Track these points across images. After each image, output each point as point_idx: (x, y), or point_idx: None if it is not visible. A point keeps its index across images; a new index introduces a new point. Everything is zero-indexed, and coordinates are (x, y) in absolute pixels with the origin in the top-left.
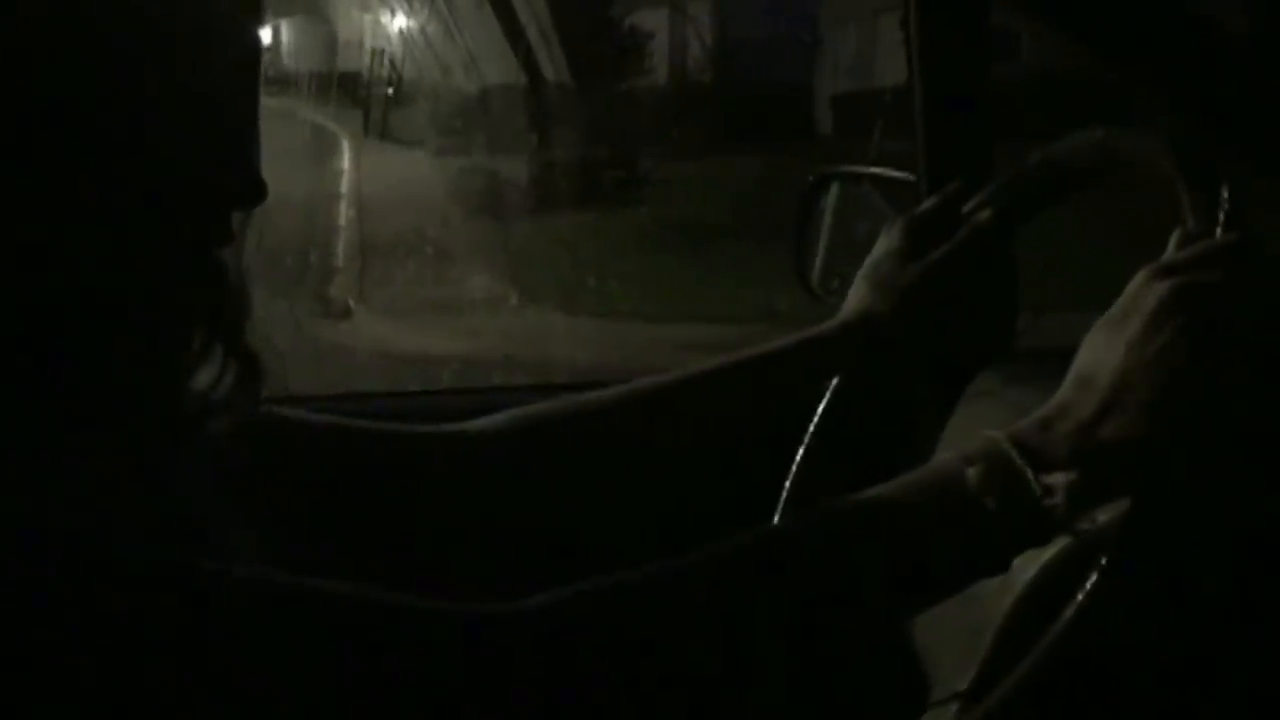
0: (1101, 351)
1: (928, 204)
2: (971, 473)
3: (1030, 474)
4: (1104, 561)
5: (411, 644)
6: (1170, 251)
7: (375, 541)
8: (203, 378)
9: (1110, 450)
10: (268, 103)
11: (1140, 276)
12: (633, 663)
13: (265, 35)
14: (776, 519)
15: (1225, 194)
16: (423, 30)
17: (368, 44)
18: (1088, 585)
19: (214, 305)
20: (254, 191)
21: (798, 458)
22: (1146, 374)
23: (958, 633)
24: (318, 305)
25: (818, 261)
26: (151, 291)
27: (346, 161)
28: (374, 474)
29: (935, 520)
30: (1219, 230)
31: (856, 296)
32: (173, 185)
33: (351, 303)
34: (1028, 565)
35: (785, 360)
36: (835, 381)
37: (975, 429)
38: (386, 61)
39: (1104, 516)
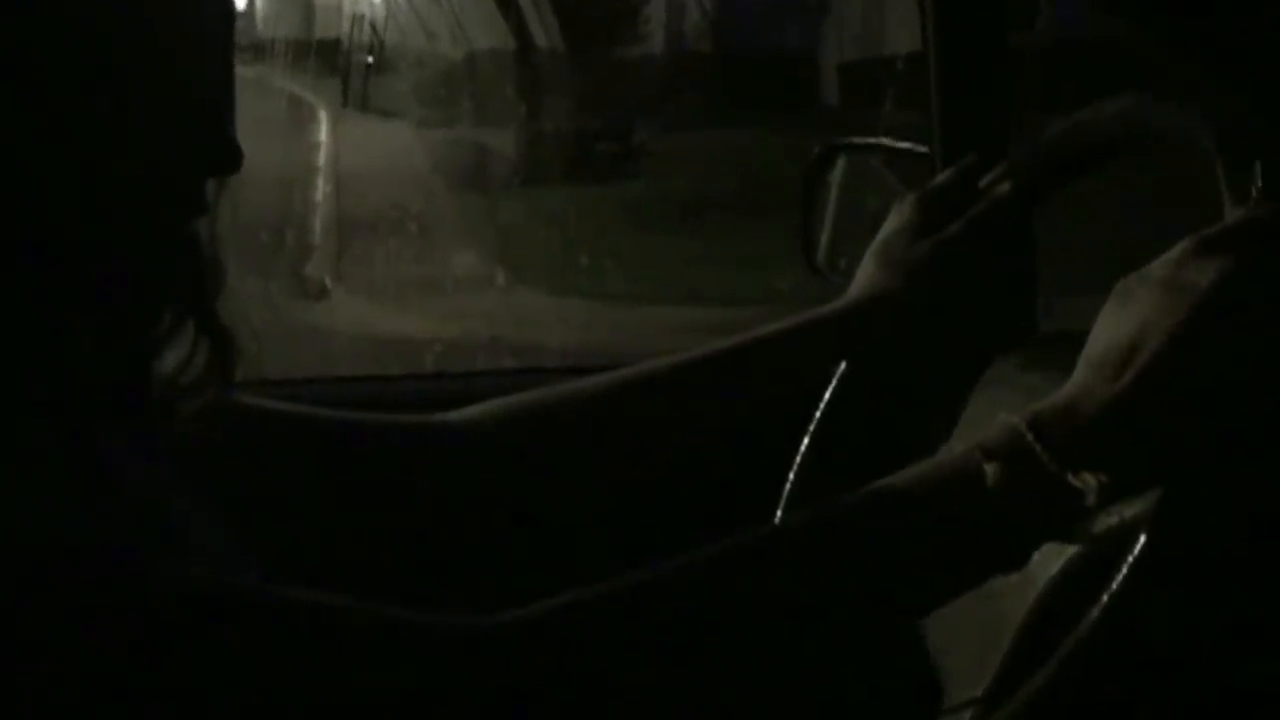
0: (1133, 328)
1: (942, 178)
2: (989, 464)
3: (1053, 463)
4: (1134, 555)
5: (396, 659)
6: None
7: (353, 538)
8: (171, 358)
9: (1141, 436)
10: (241, 72)
11: (1183, 248)
12: (627, 674)
13: None
14: (780, 511)
15: (1268, 172)
16: None
17: (347, 9)
18: (1116, 581)
19: (186, 280)
20: (229, 158)
21: (802, 447)
22: (1188, 356)
23: (974, 633)
24: (293, 285)
25: (824, 239)
26: (119, 264)
27: (324, 133)
28: (351, 467)
29: (950, 514)
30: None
31: (865, 275)
32: (143, 151)
33: (329, 282)
34: (1050, 560)
35: (788, 343)
36: (842, 366)
37: (991, 417)
38: (367, 27)
39: (1131, 508)
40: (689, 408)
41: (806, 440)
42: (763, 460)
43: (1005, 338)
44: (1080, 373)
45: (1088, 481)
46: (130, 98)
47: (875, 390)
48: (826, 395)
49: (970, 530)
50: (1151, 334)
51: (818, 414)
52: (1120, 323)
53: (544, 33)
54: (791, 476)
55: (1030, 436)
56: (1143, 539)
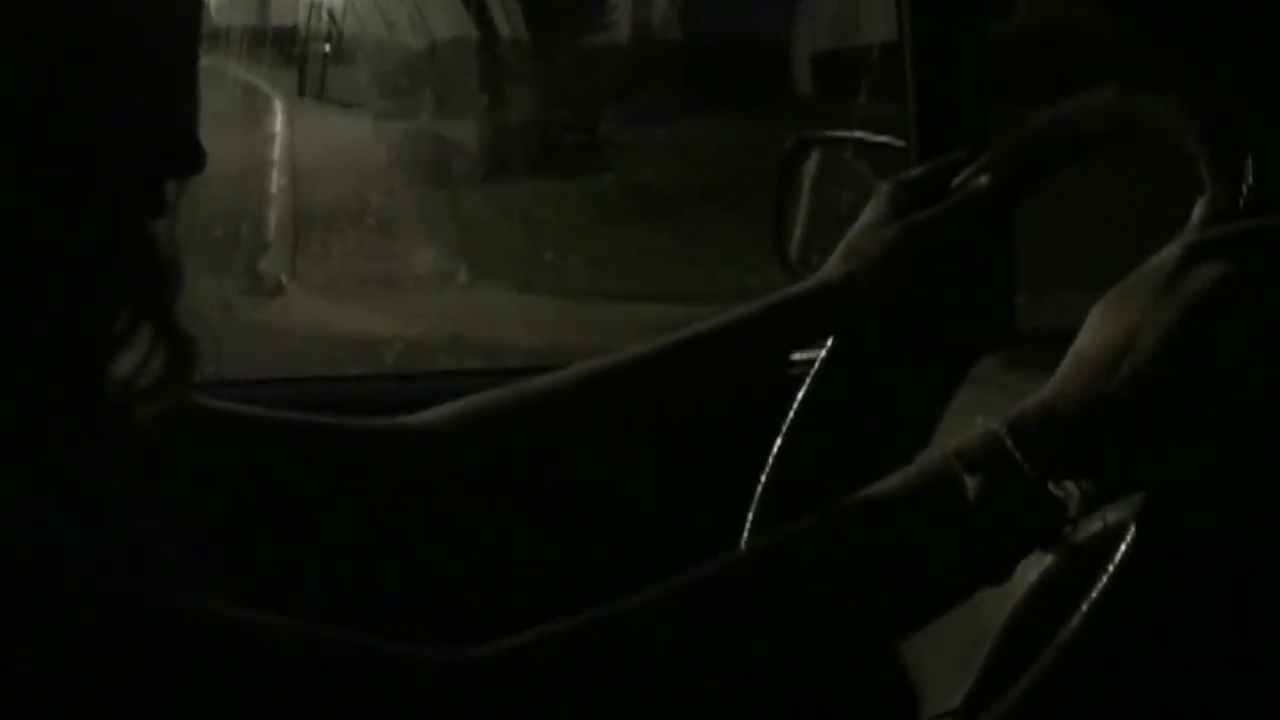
0: (1117, 332)
1: (918, 170)
2: (968, 475)
3: (1033, 471)
4: (1115, 563)
5: (364, 691)
6: (1193, 224)
7: (314, 545)
8: (127, 361)
9: (1127, 441)
10: None
11: (1174, 250)
12: (606, 706)
13: None
14: (751, 514)
15: (1253, 165)
16: None
17: None
18: (1096, 589)
19: (144, 281)
20: (191, 158)
21: (776, 446)
22: (1179, 361)
23: (951, 642)
24: (247, 282)
25: (797, 234)
26: (76, 265)
27: (279, 125)
28: (313, 474)
29: (929, 528)
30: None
31: (831, 263)
32: (103, 150)
33: (284, 279)
34: (1028, 568)
35: (753, 327)
36: (817, 364)
37: (972, 417)
38: (325, 16)
39: (1112, 513)
40: (650, 400)
41: (781, 439)
42: (733, 455)
43: (982, 334)
44: (1063, 374)
45: (1070, 490)
46: (90, 95)
47: (853, 389)
48: (802, 393)
49: (951, 544)
50: (1143, 338)
51: (792, 412)
52: (1110, 326)
53: (507, 21)
54: (765, 476)
55: (1010, 443)
56: (1124, 546)
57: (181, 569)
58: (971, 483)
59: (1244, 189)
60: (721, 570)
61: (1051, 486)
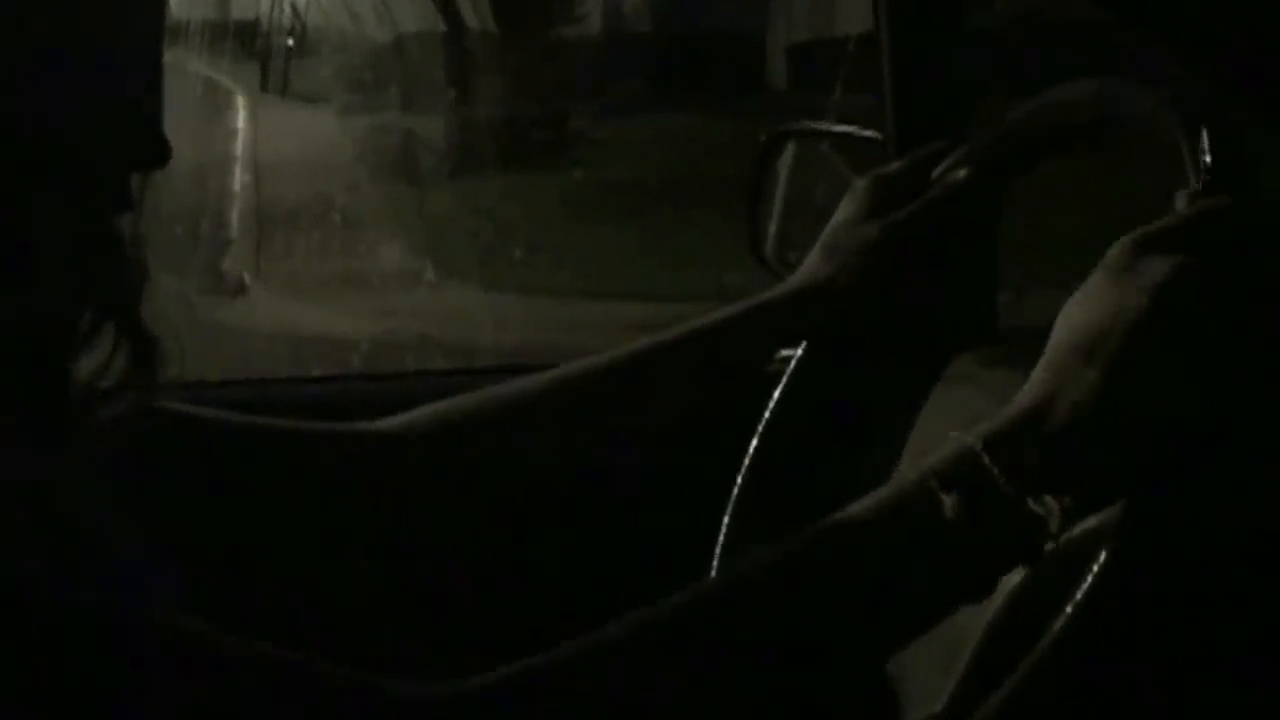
0: (1082, 335)
1: (897, 164)
2: (945, 494)
3: (1010, 488)
4: (1096, 570)
5: None
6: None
7: (280, 552)
8: (89, 362)
9: (1100, 453)
10: None
11: (1121, 246)
12: None
13: None
14: (727, 517)
15: (1237, 157)
16: None
17: None
18: (1079, 593)
19: (107, 279)
20: (156, 152)
21: (752, 447)
22: (1138, 365)
23: (933, 647)
24: (208, 281)
25: (772, 230)
26: (37, 262)
27: (241, 120)
28: (279, 480)
29: (907, 548)
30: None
31: (810, 263)
32: (65, 143)
33: (247, 278)
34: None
35: (731, 332)
36: (794, 364)
37: (953, 416)
38: (288, 8)
39: (1092, 520)
40: (626, 405)
41: (757, 439)
42: (709, 456)
43: (964, 332)
44: (1036, 383)
45: (1050, 505)
46: (52, 86)
47: (830, 388)
48: (778, 393)
49: (930, 564)
50: (1104, 340)
51: (768, 412)
52: (1075, 330)
53: (475, 13)
54: (741, 478)
55: (986, 459)
56: (1105, 550)
57: (145, 577)
58: (949, 501)
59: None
60: (696, 599)
61: (1030, 502)
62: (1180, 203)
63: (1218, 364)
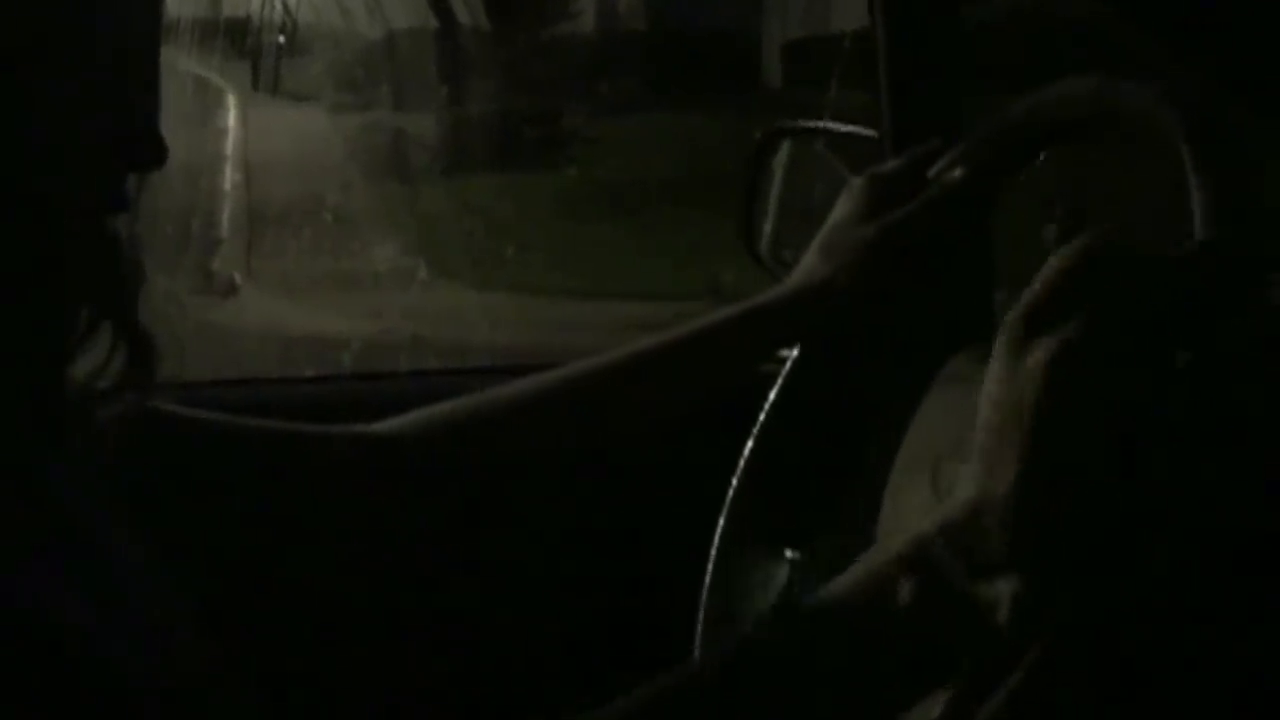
0: (997, 419)
1: (893, 163)
2: (903, 580)
3: (962, 575)
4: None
5: None
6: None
7: (274, 557)
8: (86, 363)
9: (1037, 538)
10: None
11: (1013, 317)
12: None
13: None
14: (722, 519)
15: (1237, 155)
16: None
17: None
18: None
19: (104, 279)
20: (153, 152)
21: (747, 450)
22: (1049, 450)
23: None
24: (199, 281)
25: (767, 229)
26: (34, 263)
27: (232, 119)
28: (274, 483)
29: (870, 635)
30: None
31: (807, 264)
32: (62, 142)
33: (237, 278)
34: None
35: (728, 336)
36: (789, 364)
37: (949, 417)
38: (279, 5)
39: None
40: (625, 408)
41: (753, 442)
42: (705, 458)
43: (960, 331)
44: (974, 469)
45: (1001, 593)
46: (48, 86)
47: (824, 386)
48: (773, 394)
49: (892, 651)
50: (1015, 426)
51: (764, 414)
52: (991, 410)
53: (467, 10)
54: (736, 480)
55: (940, 545)
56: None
57: (139, 578)
58: (905, 588)
59: (1229, 178)
60: (670, 685)
61: (985, 587)
62: (1048, 236)
63: (1127, 423)
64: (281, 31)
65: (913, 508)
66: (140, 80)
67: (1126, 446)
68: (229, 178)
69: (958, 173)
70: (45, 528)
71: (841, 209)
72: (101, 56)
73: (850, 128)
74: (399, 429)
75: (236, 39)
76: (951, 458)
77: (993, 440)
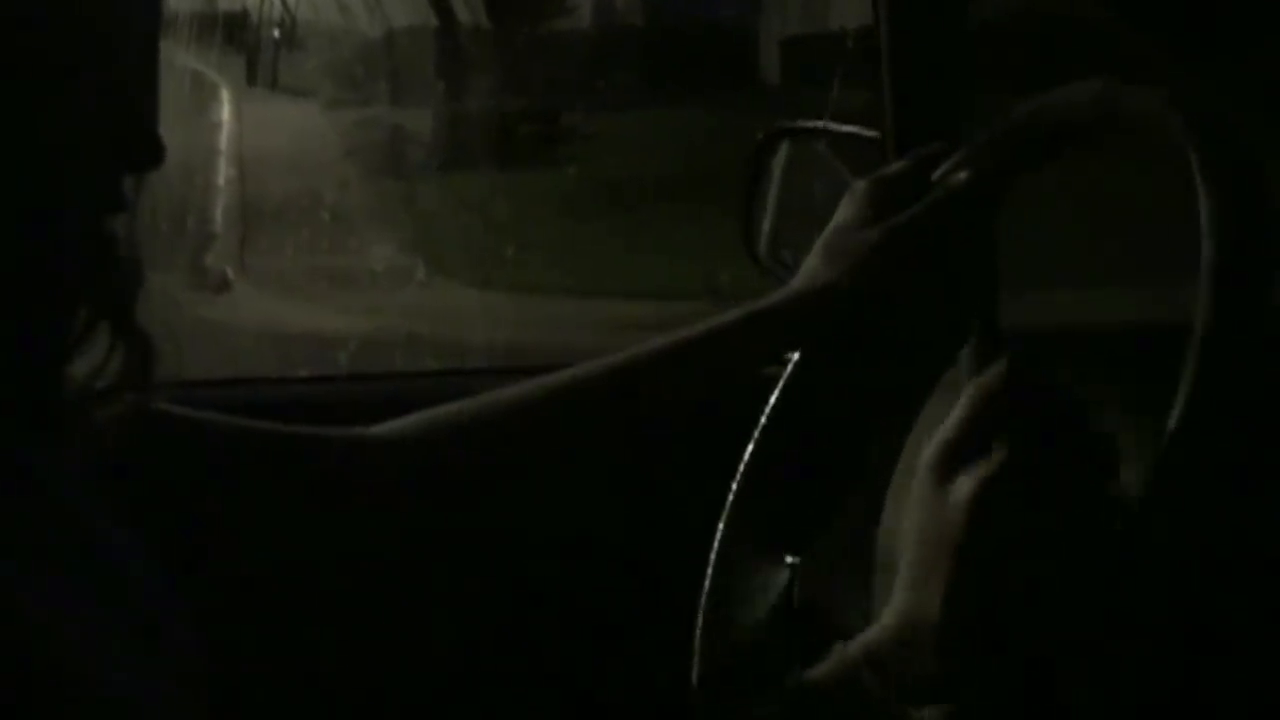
0: (919, 551)
1: (896, 166)
2: (831, 700)
3: (889, 700)
4: None
5: None
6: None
7: (272, 559)
8: (84, 363)
9: (959, 663)
10: None
11: (934, 450)
12: None
13: None
14: (722, 525)
15: (1245, 160)
16: None
17: None
18: None
19: (102, 279)
20: (150, 153)
21: (746, 455)
22: (968, 582)
23: None
24: (192, 277)
25: (766, 229)
26: (32, 263)
27: (227, 114)
28: (273, 486)
29: None
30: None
31: (810, 267)
32: (61, 142)
33: (230, 274)
34: None
35: (728, 340)
36: (789, 367)
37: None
38: (278, 1)
39: None
40: (626, 412)
41: (752, 446)
42: (705, 461)
43: (963, 335)
44: (897, 595)
45: (930, 715)
46: (45, 86)
47: (825, 389)
48: (773, 397)
49: None
50: (937, 558)
51: (764, 418)
52: (915, 541)
53: (468, 9)
54: (736, 486)
55: (867, 673)
56: None
57: (136, 579)
58: (833, 712)
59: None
60: None
61: (914, 712)
62: (964, 360)
63: (1043, 553)
64: (279, 27)
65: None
66: (139, 80)
67: (1048, 577)
68: (223, 172)
69: (962, 176)
70: (42, 526)
71: (844, 212)
72: (101, 57)
73: (853, 129)
74: (400, 431)
75: (234, 33)
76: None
77: (919, 569)
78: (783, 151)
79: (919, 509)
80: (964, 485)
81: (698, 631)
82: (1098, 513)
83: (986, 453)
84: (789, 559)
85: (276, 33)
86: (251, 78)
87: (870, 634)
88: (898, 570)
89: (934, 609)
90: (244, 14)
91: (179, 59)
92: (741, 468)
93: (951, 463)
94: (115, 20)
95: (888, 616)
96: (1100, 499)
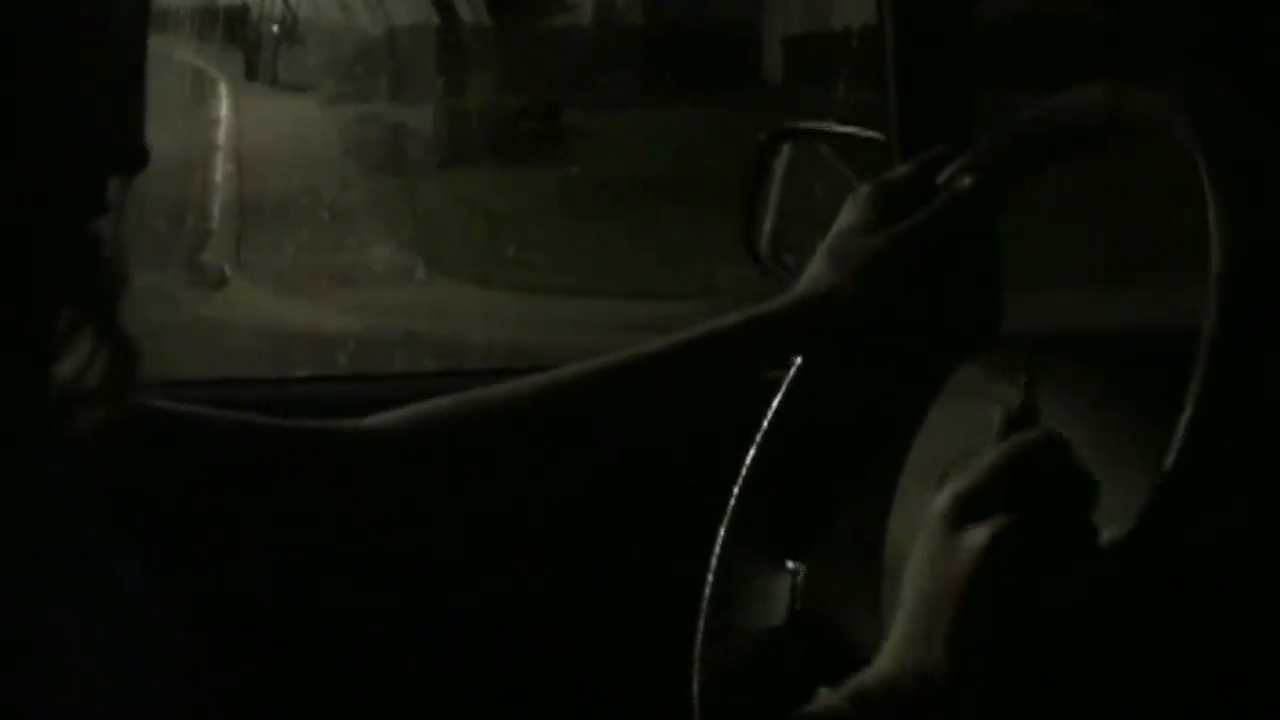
0: (921, 603)
1: (901, 170)
2: None
3: None
4: None
5: None
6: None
7: (264, 553)
8: (69, 365)
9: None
10: None
11: (947, 499)
12: None
13: None
14: (723, 530)
15: (1254, 165)
16: None
17: None
18: None
19: (86, 282)
20: (134, 156)
21: (748, 462)
22: (972, 635)
23: None
24: (189, 274)
25: (768, 230)
26: (12, 265)
27: (225, 109)
28: (265, 478)
29: None
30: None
31: (814, 271)
32: (42, 145)
33: (227, 271)
34: None
35: (730, 343)
36: (792, 372)
37: (955, 428)
38: None
39: None
40: (624, 412)
41: (754, 452)
42: (706, 467)
43: (968, 339)
44: (892, 645)
45: None
46: (27, 87)
47: (829, 398)
48: (776, 403)
49: None
50: (940, 610)
51: (766, 424)
52: (917, 593)
53: (468, 5)
54: (735, 495)
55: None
56: None
57: (128, 577)
58: None
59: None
60: None
61: None
62: (996, 420)
63: (1048, 613)
64: (279, 23)
65: (920, 518)
66: (124, 82)
67: (1052, 633)
68: (220, 169)
69: (967, 180)
70: (28, 528)
71: (848, 216)
72: (85, 59)
73: (856, 131)
74: (392, 423)
75: (234, 29)
76: (960, 467)
77: (913, 623)
78: (785, 152)
79: (925, 555)
80: (976, 536)
81: (698, 637)
82: (1099, 570)
83: (1000, 509)
84: (790, 565)
85: (277, 29)
86: (251, 73)
87: (862, 677)
88: (902, 578)
89: (938, 659)
90: (244, 10)
91: (178, 54)
92: (744, 472)
93: (965, 513)
94: (99, 22)
95: (882, 661)
96: (1099, 557)
